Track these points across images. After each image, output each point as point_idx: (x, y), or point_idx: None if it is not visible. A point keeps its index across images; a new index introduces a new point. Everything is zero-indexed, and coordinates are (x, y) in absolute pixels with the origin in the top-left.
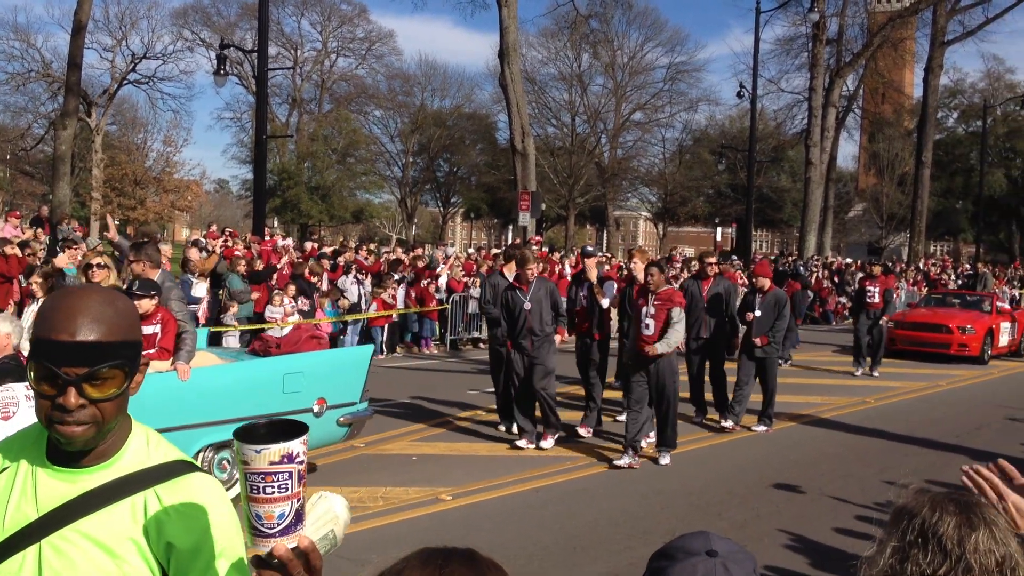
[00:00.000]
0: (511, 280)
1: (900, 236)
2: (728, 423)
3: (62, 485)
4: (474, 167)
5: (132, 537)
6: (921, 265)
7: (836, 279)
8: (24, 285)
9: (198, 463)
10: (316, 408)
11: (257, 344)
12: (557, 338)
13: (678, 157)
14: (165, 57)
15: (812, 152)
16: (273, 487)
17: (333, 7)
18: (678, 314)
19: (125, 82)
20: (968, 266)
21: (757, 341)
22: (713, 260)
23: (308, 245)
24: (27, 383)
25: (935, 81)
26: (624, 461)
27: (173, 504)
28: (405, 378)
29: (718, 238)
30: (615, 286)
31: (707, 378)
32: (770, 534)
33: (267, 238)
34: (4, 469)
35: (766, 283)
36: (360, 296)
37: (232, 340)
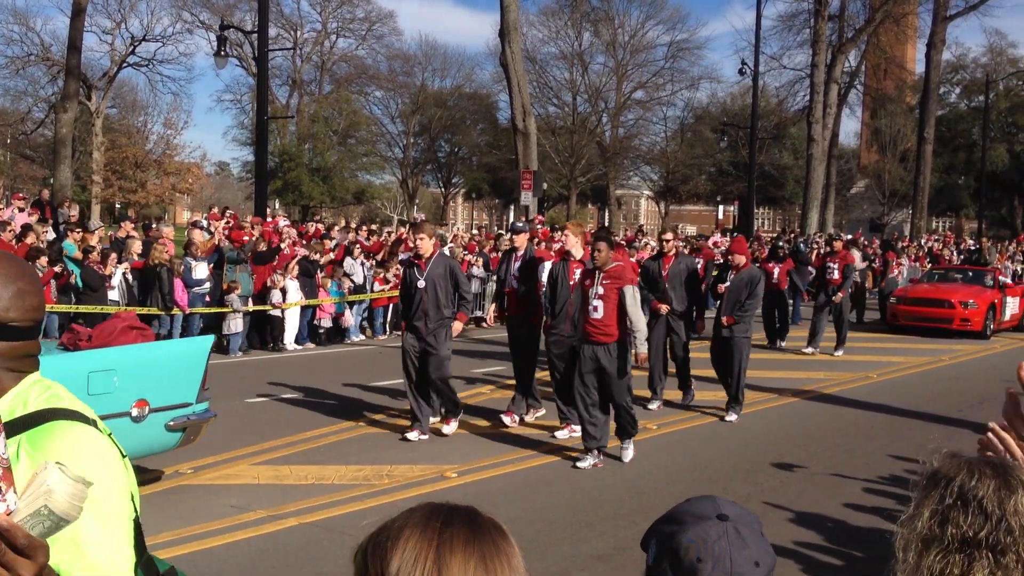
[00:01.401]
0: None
1: (902, 212)
2: (732, 416)
3: None
4: (475, 147)
5: None
6: (923, 241)
7: None
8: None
9: (84, 412)
10: (135, 412)
11: (66, 337)
12: (456, 325)
13: (680, 135)
14: (165, 39)
15: (814, 129)
16: None
17: None
18: (632, 294)
19: (125, 65)
20: (971, 241)
21: (724, 320)
22: (670, 237)
23: (311, 226)
24: None
25: (937, 56)
26: (588, 462)
27: (29, 453)
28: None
29: (720, 216)
30: (549, 267)
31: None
32: (775, 509)
33: (268, 219)
34: None
35: (741, 260)
36: (364, 277)
37: (236, 323)
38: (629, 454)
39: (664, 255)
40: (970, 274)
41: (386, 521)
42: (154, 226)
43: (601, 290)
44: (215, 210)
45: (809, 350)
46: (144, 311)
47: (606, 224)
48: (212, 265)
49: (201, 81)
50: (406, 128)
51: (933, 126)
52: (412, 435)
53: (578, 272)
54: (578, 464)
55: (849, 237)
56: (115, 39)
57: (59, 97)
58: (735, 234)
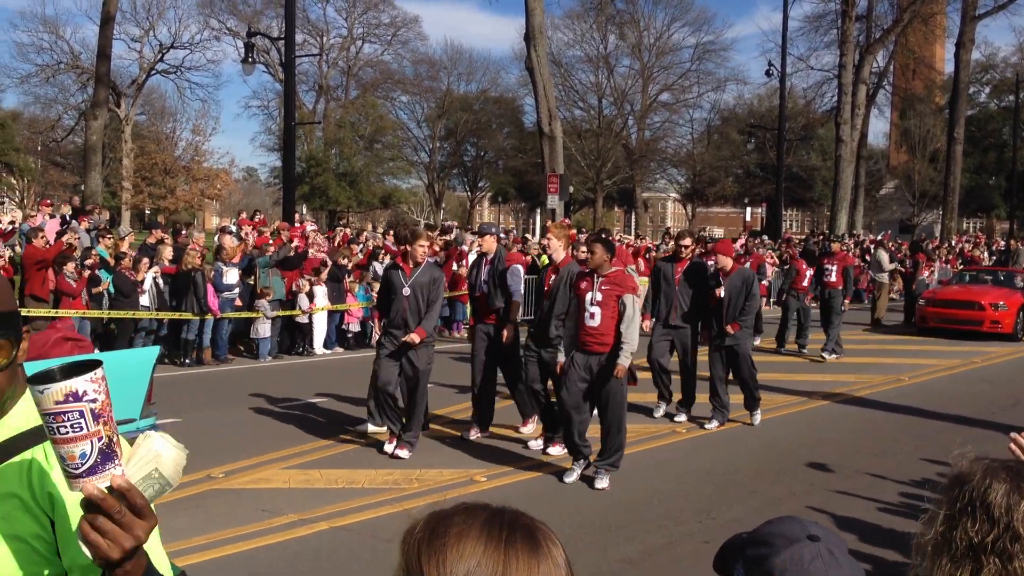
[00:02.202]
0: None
1: (932, 213)
2: (713, 424)
3: None
4: (501, 151)
5: (17, 494)
6: (953, 242)
7: (867, 257)
8: (59, 273)
9: None
10: None
11: None
12: (413, 337)
13: (706, 137)
14: (192, 47)
15: (842, 130)
16: (65, 427)
17: None
18: (632, 304)
19: (153, 72)
20: (1002, 242)
21: (728, 329)
22: (688, 242)
23: (340, 231)
24: None
25: (966, 56)
26: (574, 476)
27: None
28: (438, 362)
29: (747, 218)
30: (521, 272)
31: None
32: (806, 511)
33: (296, 224)
34: None
35: (728, 263)
36: None
37: (264, 328)
38: (604, 482)
39: (680, 259)
40: (1001, 276)
41: (438, 517)
42: (183, 232)
43: (599, 296)
44: (244, 215)
45: (827, 355)
46: (177, 316)
47: (633, 227)
48: (242, 270)
49: (229, 87)
50: (432, 132)
51: (963, 126)
52: (389, 447)
53: (553, 277)
54: (566, 479)
55: (879, 238)
56: (144, 46)
57: (89, 104)
58: (763, 234)
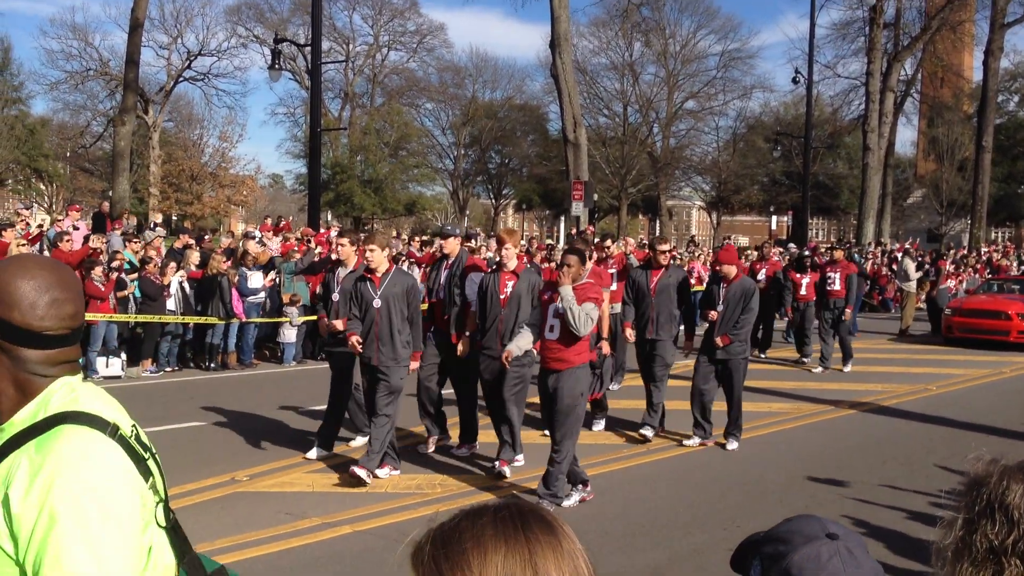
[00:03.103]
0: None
1: (960, 223)
2: (694, 440)
3: None
4: (526, 158)
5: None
6: (983, 251)
7: (894, 266)
8: (87, 279)
9: (102, 416)
10: None
11: None
12: (413, 365)
13: (732, 145)
14: (220, 54)
15: (870, 138)
16: None
17: (384, 1)
18: (571, 304)
19: (181, 79)
20: None
21: (718, 341)
22: (667, 248)
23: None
24: None
25: (995, 64)
26: (575, 499)
27: (33, 460)
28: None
29: (773, 227)
30: (479, 278)
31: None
32: (834, 520)
33: (321, 230)
34: None
35: (732, 271)
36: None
37: (290, 333)
38: (573, 501)
39: (656, 267)
40: None
41: (443, 531)
42: (207, 237)
43: (562, 307)
44: (269, 221)
45: (818, 369)
46: (202, 320)
47: (657, 234)
48: (267, 275)
49: (255, 95)
50: (457, 140)
51: (991, 134)
52: (361, 473)
53: (511, 284)
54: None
55: (906, 246)
56: (171, 54)
57: (117, 111)
58: (789, 243)
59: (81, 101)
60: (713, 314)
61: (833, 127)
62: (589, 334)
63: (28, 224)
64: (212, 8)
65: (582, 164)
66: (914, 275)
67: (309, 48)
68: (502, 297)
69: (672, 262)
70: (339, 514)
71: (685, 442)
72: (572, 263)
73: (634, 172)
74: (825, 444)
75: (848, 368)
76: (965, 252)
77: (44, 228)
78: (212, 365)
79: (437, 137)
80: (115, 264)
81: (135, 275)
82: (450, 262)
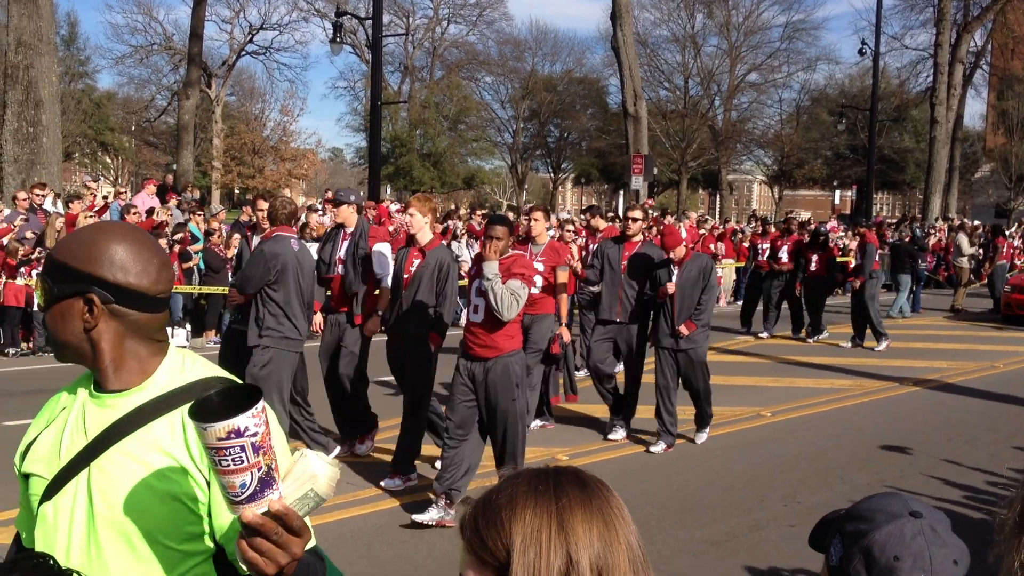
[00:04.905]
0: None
1: None
2: (659, 447)
3: (105, 412)
4: (585, 132)
5: (170, 452)
6: None
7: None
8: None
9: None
10: None
11: None
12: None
13: (795, 118)
14: (281, 28)
15: (937, 111)
16: (227, 460)
17: None
18: (512, 288)
19: (243, 53)
20: None
21: (683, 330)
22: (638, 215)
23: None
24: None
25: None
26: (433, 514)
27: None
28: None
29: (836, 201)
30: (389, 253)
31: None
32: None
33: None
34: (63, 408)
35: (680, 251)
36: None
37: None
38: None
39: (628, 239)
40: None
41: (487, 492)
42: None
43: (484, 285)
44: (329, 194)
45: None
46: None
47: (718, 210)
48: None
49: (316, 68)
50: (516, 113)
51: None
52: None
53: (417, 261)
54: (415, 518)
55: (964, 220)
56: (234, 28)
57: (181, 85)
58: (854, 218)
59: (146, 75)
60: (670, 287)
61: (900, 100)
62: (518, 317)
63: (95, 196)
64: None
65: (642, 138)
66: (967, 250)
67: (370, 21)
68: (405, 277)
69: (647, 236)
70: (352, 494)
71: (651, 449)
72: (500, 235)
73: (695, 146)
74: (888, 422)
75: (814, 341)
76: None
77: (109, 200)
78: None
79: (496, 111)
80: (178, 236)
81: (199, 247)
82: (349, 231)
